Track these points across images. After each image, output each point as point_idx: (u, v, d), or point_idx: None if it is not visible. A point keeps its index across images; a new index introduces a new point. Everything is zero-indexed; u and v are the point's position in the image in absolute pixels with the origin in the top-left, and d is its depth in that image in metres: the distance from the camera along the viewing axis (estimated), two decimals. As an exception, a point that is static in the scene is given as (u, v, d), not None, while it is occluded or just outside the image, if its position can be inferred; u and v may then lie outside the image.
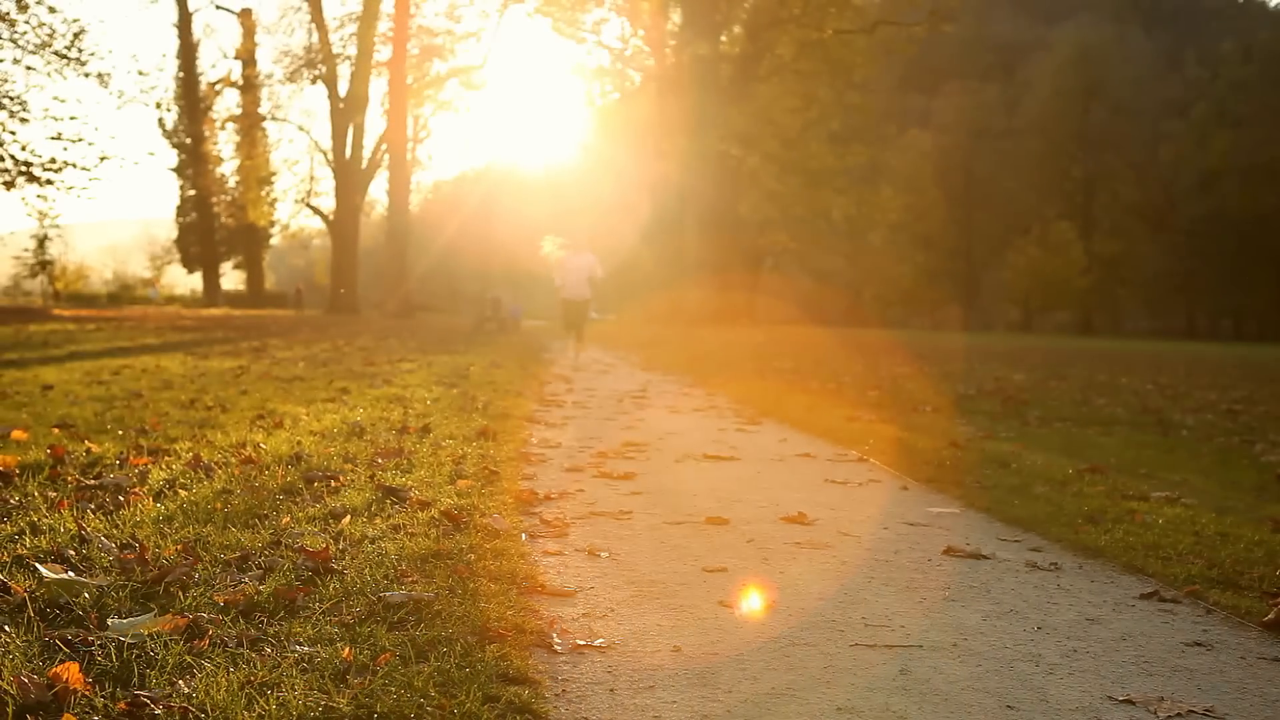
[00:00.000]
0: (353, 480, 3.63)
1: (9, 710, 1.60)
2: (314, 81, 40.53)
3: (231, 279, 59.91)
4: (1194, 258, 60.90)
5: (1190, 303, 64.29)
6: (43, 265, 47.77)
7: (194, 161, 46.19)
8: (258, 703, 1.65)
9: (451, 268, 73.34)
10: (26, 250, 46.31)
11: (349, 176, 39.70)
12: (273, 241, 53.32)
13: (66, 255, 54.29)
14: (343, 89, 39.58)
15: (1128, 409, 8.61)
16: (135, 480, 3.50)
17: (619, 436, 5.41)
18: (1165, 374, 15.66)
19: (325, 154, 40.96)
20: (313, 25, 39.71)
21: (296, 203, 42.35)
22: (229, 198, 46.36)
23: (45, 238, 43.94)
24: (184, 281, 64.40)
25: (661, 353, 15.81)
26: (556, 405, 7.11)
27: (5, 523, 2.86)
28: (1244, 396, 10.85)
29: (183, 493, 3.35)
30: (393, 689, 1.72)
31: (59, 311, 27.17)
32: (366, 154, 40.53)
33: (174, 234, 55.43)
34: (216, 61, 52.16)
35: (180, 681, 1.74)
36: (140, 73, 24.94)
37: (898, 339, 30.59)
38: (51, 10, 22.28)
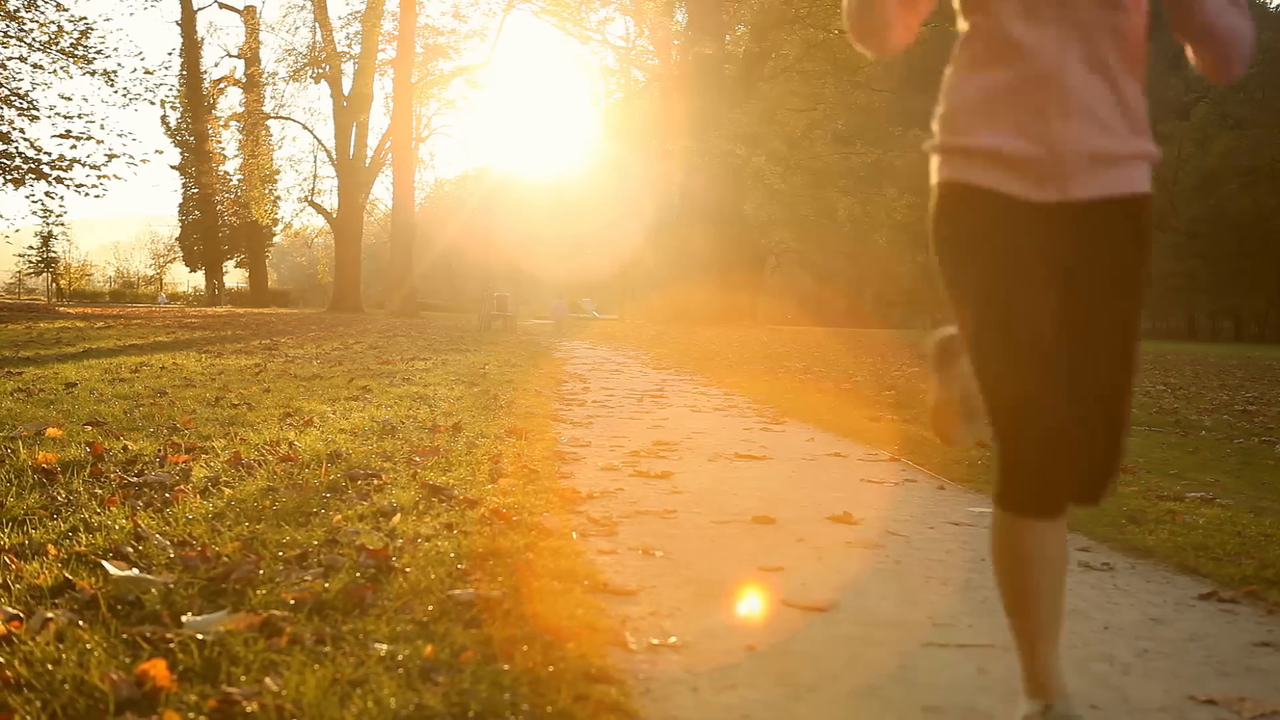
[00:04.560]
0: (395, 479, 3.63)
1: (110, 706, 1.60)
2: (317, 80, 40.53)
3: (233, 277, 59.93)
4: (1194, 259, 60.91)
5: (1190, 303, 64.30)
6: (48, 263, 47.84)
7: (197, 159, 46.20)
8: (352, 701, 1.65)
9: (453, 266, 73.40)
10: (31, 249, 46.33)
11: (352, 175, 39.72)
12: (275, 240, 53.35)
13: (70, 253, 54.33)
14: (346, 87, 39.60)
15: (1143, 409, 8.61)
16: (178, 478, 3.50)
17: (647, 435, 5.41)
18: (1173, 374, 15.67)
19: (329, 152, 40.97)
20: (316, 24, 39.73)
21: (300, 201, 42.36)
22: (232, 196, 46.36)
23: (50, 235, 43.96)
24: (186, 280, 64.42)
25: (670, 352, 15.81)
26: (578, 404, 7.11)
27: (57, 520, 2.87)
28: (1256, 397, 10.85)
29: (227, 490, 3.35)
30: (482, 688, 1.72)
31: (65, 309, 27.16)
32: (370, 152, 40.55)
33: (177, 232, 55.43)
34: (220, 59, 52.22)
35: (268, 679, 1.74)
36: (146, 71, 24.87)
37: (902, 339, 30.62)
38: (59, 8, 22.28)
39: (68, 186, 22.08)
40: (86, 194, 22.21)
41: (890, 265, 62.29)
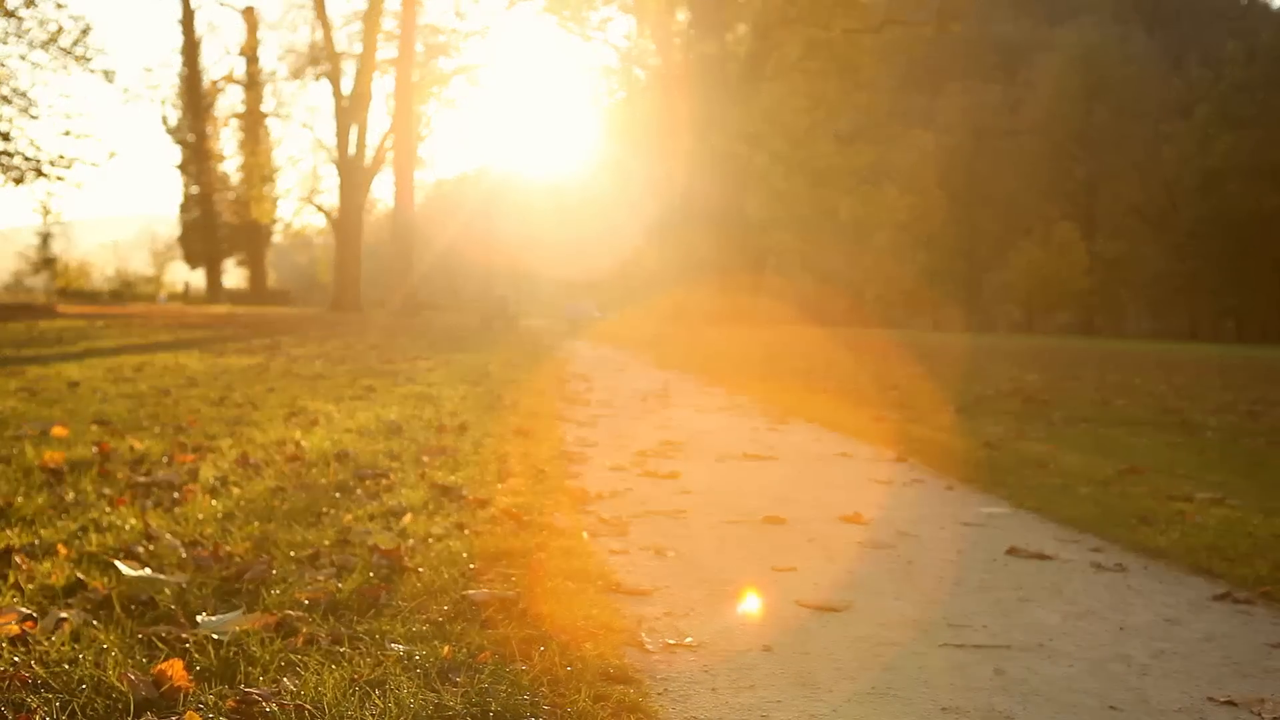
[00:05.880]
0: (403, 478, 3.62)
1: (130, 706, 1.60)
2: (318, 79, 40.49)
3: (233, 276, 59.88)
4: (1196, 258, 60.90)
5: (1192, 303, 64.29)
6: (47, 262, 47.86)
7: (197, 158, 46.19)
8: (371, 701, 1.64)
9: (452, 266, 73.27)
10: (31, 248, 46.34)
11: (352, 174, 39.66)
12: (275, 239, 53.33)
13: (69, 252, 54.33)
14: (346, 86, 39.55)
15: (1148, 410, 8.61)
16: (186, 477, 3.50)
17: (654, 435, 5.40)
18: (1176, 375, 15.66)
19: (329, 151, 40.93)
20: (317, 22, 39.69)
21: (300, 200, 42.33)
22: (232, 195, 46.36)
23: (49, 234, 44.06)
24: (187, 279, 64.34)
25: (672, 352, 15.80)
26: (582, 404, 7.10)
27: (66, 519, 2.86)
28: (1260, 397, 10.85)
29: (236, 490, 3.35)
30: (501, 688, 1.71)
31: (64, 308, 27.14)
32: (370, 152, 40.50)
33: (177, 231, 55.41)
34: (220, 58, 52.20)
35: (285, 679, 1.73)
36: (146, 69, 24.86)
37: (903, 339, 30.61)
38: (59, 6, 22.26)
39: (68, 184, 22.08)
40: (80, 187, 22.11)
41: (890, 265, 62.25)
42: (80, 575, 2.29)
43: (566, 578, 2.45)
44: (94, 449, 3.90)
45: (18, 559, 2.38)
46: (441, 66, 38.35)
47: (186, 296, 50.72)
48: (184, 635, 1.92)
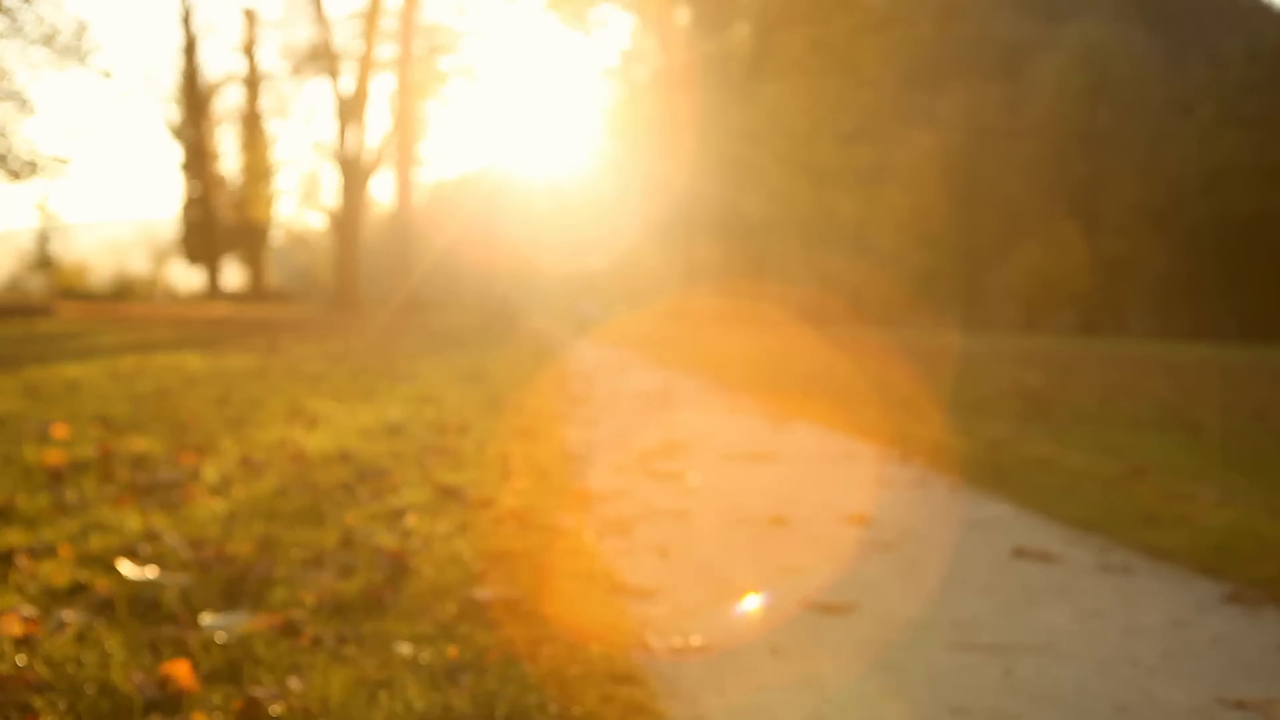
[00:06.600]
0: (406, 478, 3.62)
1: (135, 707, 1.59)
2: (317, 77, 40.48)
3: (233, 276, 59.82)
4: (1198, 258, 60.83)
5: (1195, 303, 64.24)
6: (46, 262, 47.86)
7: (196, 157, 46.19)
8: (380, 702, 1.64)
9: (452, 266, 73.20)
10: (29, 248, 46.34)
11: (352, 173, 39.65)
12: (274, 239, 53.31)
13: (68, 253, 54.31)
14: (346, 85, 39.53)
15: (1152, 411, 8.60)
16: (188, 477, 3.49)
17: (656, 436, 5.39)
18: (1179, 375, 15.65)
19: (328, 150, 40.93)
20: (316, 21, 39.65)
21: (299, 199, 42.33)
22: (232, 195, 46.35)
23: (47, 235, 44.09)
24: (186, 279, 64.27)
25: (674, 353, 15.79)
26: (584, 404, 7.09)
27: (68, 520, 2.85)
28: (1264, 398, 10.84)
29: (238, 490, 3.34)
30: (509, 689, 1.71)
31: (63, 308, 27.11)
32: (370, 151, 40.49)
33: (176, 231, 55.36)
34: (220, 57, 52.18)
35: (291, 680, 1.73)
36: (144, 69, 24.89)
37: (904, 340, 30.59)
38: (55, 5, 22.21)
39: (65, 181, 22.07)
40: (78, 186, 22.11)
41: (890, 265, 62.22)
42: (83, 576, 2.29)
43: (571, 578, 2.44)
44: (95, 449, 3.89)
45: (20, 560, 2.38)
46: (442, 65, 38.34)
47: (178, 298, 50.66)
48: (188, 636, 1.91)
